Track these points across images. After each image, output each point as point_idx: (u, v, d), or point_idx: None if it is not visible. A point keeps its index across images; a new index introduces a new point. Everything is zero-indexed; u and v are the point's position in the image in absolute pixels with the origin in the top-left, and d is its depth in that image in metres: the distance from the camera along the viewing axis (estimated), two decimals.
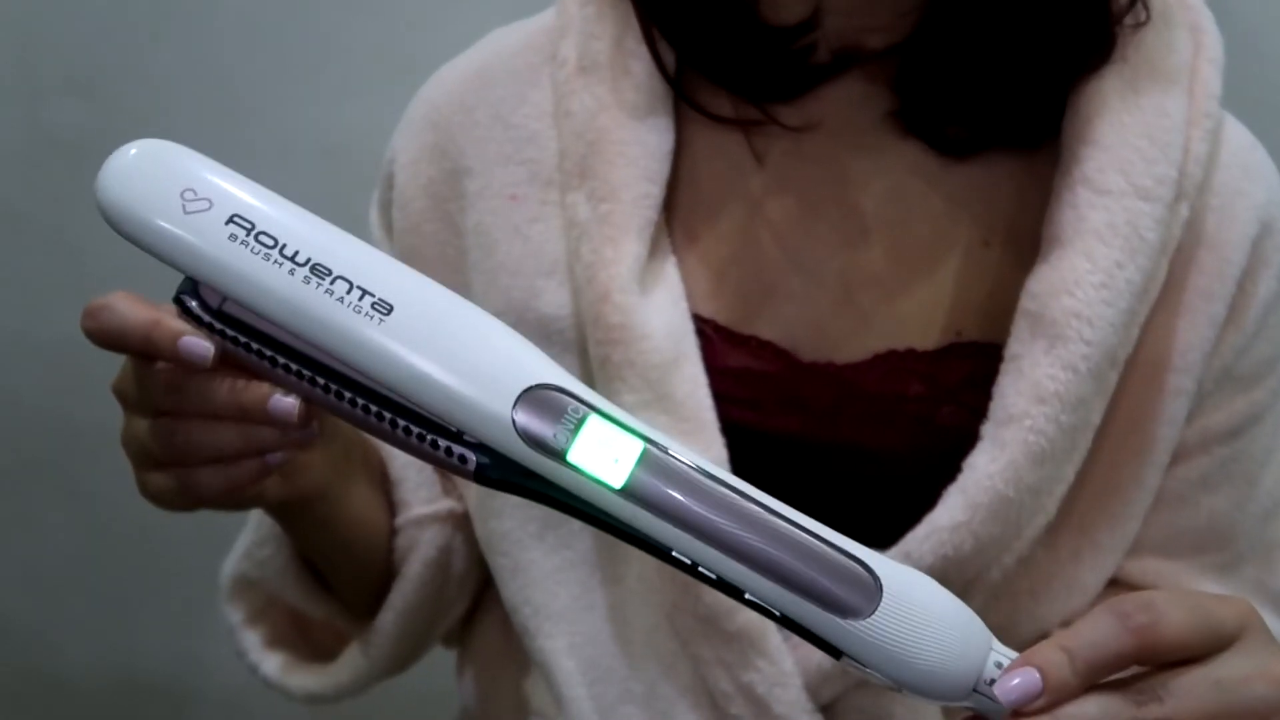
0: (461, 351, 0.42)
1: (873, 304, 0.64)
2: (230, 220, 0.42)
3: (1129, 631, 0.40)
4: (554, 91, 0.66)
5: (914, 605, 0.43)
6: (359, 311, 0.42)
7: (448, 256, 0.70)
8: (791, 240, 0.65)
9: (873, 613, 0.42)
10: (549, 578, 0.67)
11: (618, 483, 0.42)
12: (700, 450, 0.61)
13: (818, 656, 0.62)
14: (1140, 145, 0.60)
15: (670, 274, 0.64)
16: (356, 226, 0.73)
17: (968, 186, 0.64)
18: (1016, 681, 0.40)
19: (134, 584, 1.48)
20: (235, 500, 0.56)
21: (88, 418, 1.26)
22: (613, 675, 0.66)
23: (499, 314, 0.66)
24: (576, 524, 0.61)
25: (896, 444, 0.63)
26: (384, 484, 0.72)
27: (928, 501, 0.61)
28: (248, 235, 0.42)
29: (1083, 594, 0.66)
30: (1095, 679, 0.41)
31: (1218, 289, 0.62)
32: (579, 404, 0.43)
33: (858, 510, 0.64)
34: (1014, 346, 0.60)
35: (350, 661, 0.73)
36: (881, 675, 0.42)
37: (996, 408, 0.60)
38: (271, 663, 0.74)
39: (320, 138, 1.25)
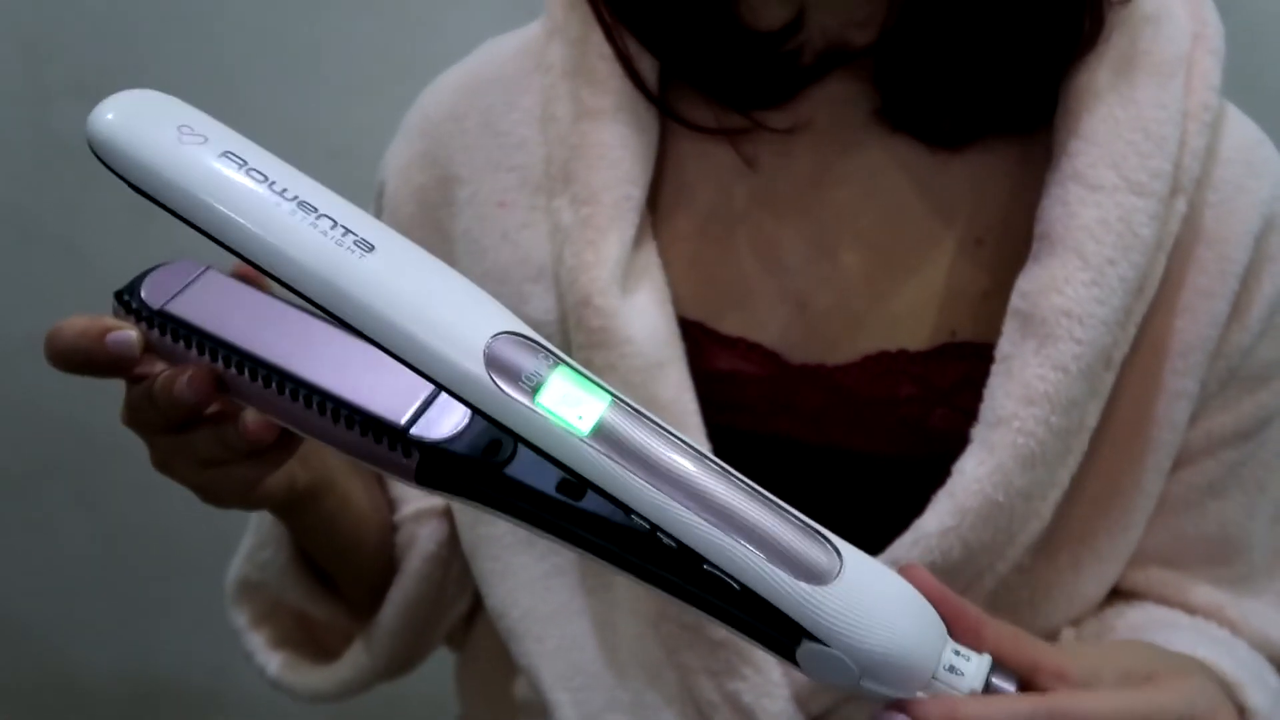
0: (440, 291, 0.42)
1: (864, 305, 0.63)
2: (224, 154, 0.42)
3: None
4: (541, 96, 0.66)
5: (874, 578, 0.42)
6: (341, 245, 0.41)
7: None
8: (780, 242, 0.64)
9: (835, 578, 0.41)
10: (537, 582, 0.67)
11: (585, 429, 0.41)
12: None
13: None
14: (1134, 139, 0.58)
15: (655, 276, 0.63)
16: None
17: (960, 184, 0.63)
18: None
19: (149, 588, 1.49)
20: (258, 496, 0.56)
21: (100, 422, 1.25)
22: (599, 682, 0.65)
23: None
24: None
25: (886, 447, 0.62)
26: (380, 481, 0.72)
27: (920, 507, 0.59)
28: (239, 169, 0.42)
29: (1083, 604, 0.64)
30: None
31: (1219, 287, 0.60)
32: (548, 354, 0.42)
33: (848, 515, 0.62)
34: (1004, 347, 0.58)
35: (353, 659, 0.73)
36: (841, 654, 0.41)
37: (986, 410, 0.58)
38: (276, 662, 0.74)
39: (326, 140, 1.25)
